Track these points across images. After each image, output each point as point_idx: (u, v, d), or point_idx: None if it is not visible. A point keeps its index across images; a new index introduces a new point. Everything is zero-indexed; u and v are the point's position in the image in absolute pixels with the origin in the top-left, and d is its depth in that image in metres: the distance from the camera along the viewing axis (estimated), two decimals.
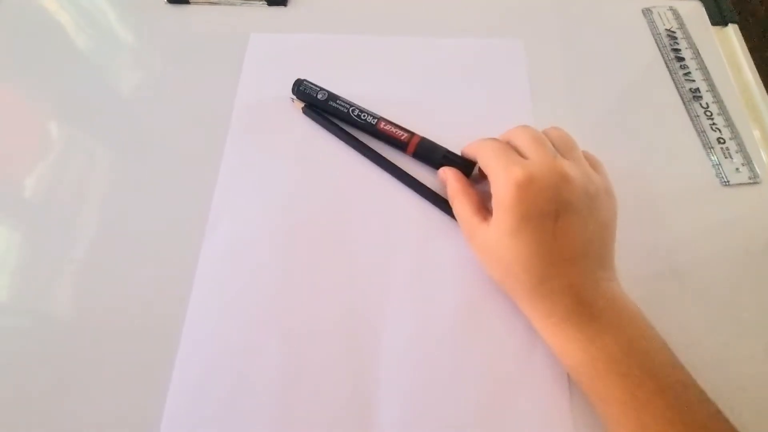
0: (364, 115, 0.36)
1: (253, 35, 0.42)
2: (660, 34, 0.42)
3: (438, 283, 0.32)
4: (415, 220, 0.34)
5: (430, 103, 0.39)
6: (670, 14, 0.43)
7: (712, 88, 0.39)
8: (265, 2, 0.43)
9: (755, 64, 0.41)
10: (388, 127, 0.35)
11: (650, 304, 0.28)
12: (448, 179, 0.33)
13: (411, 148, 0.35)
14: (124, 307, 0.31)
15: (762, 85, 0.41)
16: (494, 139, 0.31)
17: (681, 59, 0.41)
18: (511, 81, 0.40)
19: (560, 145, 0.30)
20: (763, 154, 0.37)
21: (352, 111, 0.36)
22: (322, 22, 0.43)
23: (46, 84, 0.40)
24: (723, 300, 0.32)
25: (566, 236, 0.27)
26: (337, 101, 0.36)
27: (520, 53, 0.41)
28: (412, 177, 0.35)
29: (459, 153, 0.34)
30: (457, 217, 0.32)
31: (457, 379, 0.29)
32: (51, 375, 0.29)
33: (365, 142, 0.36)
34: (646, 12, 0.44)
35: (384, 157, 0.35)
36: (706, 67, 0.40)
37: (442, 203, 0.34)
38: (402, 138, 0.35)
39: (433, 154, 0.35)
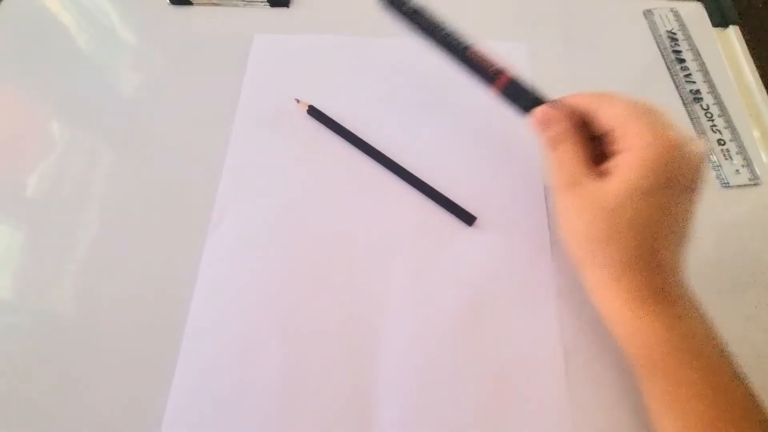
0: (452, 38, 0.32)
1: (257, 36, 0.42)
2: (661, 35, 0.42)
3: (439, 283, 0.32)
4: (418, 220, 0.34)
5: (433, 105, 0.39)
6: (671, 16, 0.43)
7: (712, 89, 0.39)
8: (268, 3, 0.43)
9: (756, 65, 0.41)
10: (480, 54, 0.31)
11: None
12: (550, 119, 0.28)
13: (501, 83, 0.30)
14: (126, 306, 0.31)
15: (762, 86, 0.41)
16: (619, 94, 0.27)
17: (682, 61, 0.41)
18: None
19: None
20: (763, 155, 0.37)
21: (439, 30, 0.32)
22: (324, 24, 0.43)
23: (49, 84, 0.40)
24: (724, 301, 0.32)
25: (686, 213, 0.26)
26: (424, 17, 0.32)
27: (524, 56, 0.41)
28: (416, 177, 0.35)
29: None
30: (556, 164, 0.28)
31: (456, 380, 0.29)
32: (53, 373, 0.30)
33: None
34: (647, 14, 0.44)
35: (388, 157, 0.35)
36: (706, 69, 0.40)
37: (445, 203, 0.34)
38: (491, 69, 0.31)
39: (524, 95, 0.30)
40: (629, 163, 0.25)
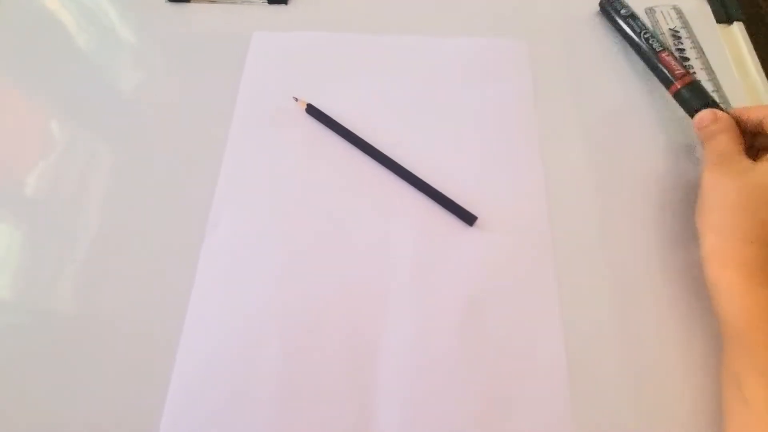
0: (652, 40, 0.38)
1: (256, 34, 0.41)
2: (664, 33, 0.42)
3: (440, 283, 0.32)
4: (419, 220, 0.34)
5: (432, 101, 0.39)
6: (673, 13, 0.43)
7: (717, 87, 0.39)
8: (266, 1, 0.43)
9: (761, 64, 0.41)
10: (669, 59, 0.37)
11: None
12: (715, 117, 0.32)
13: (683, 82, 0.36)
14: (124, 307, 0.31)
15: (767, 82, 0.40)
16: None
17: (686, 59, 0.40)
18: (514, 80, 0.40)
19: None
20: None
21: (644, 34, 0.39)
22: (323, 21, 0.43)
23: (48, 83, 0.40)
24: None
25: None
26: (636, 21, 0.40)
27: (523, 53, 0.41)
28: (416, 175, 0.34)
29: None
30: (712, 147, 0.32)
31: (457, 380, 0.29)
32: (51, 374, 0.30)
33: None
34: (649, 12, 0.43)
35: (387, 156, 0.35)
36: (710, 67, 0.40)
37: (446, 203, 0.34)
38: (677, 72, 0.36)
39: (698, 97, 0.35)
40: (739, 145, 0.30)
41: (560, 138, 0.37)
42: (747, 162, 0.30)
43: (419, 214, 0.34)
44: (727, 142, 0.31)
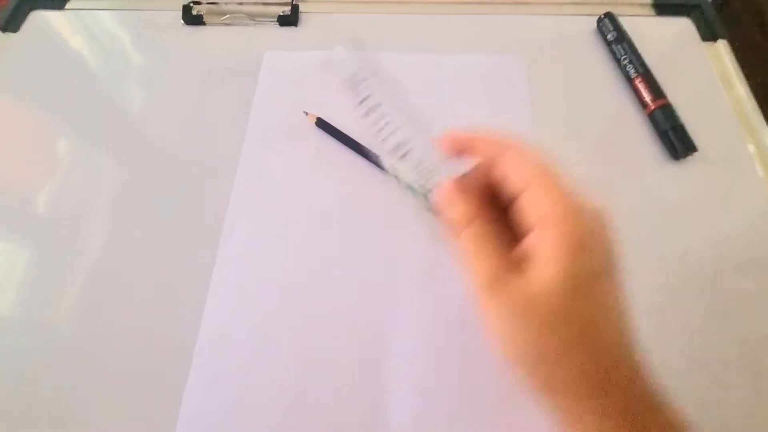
0: (629, 67, 0.41)
1: (267, 53, 0.44)
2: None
3: (447, 288, 0.33)
4: (425, 224, 0.35)
5: (435, 114, 0.40)
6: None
7: None
8: (277, 23, 0.46)
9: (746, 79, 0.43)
10: (641, 85, 0.40)
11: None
12: (451, 207, 0.23)
13: (655, 105, 0.39)
14: (142, 314, 0.32)
15: (753, 98, 0.42)
16: (524, 148, 0.22)
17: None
18: (511, 95, 0.42)
19: None
20: (758, 168, 0.38)
21: (623, 59, 0.42)
22: (330, 41, 0.44)
23: (67, 103, 0.42)
24: (726, 302, 0.33)
25: (621, 295, 0.21)
26: (620, 45, 0.43)
27: (520, 68, 0.43)
28: None
29: None
30: (466, 256, 0.22)
31: (467, 379, 0.30)
32: (68, 377, 0.30)
33: None
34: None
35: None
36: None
37: None
38: (644, 99, 0.40)
39: (662, 122, 0.38)
40: (547, 249, 0.20)
41: (555, 144, 0.38)
42: (519, 279, 0.20)
43: (426, 220, 0.35)
44: (482, 243, 0.22)
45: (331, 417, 0.29)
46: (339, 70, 0.29)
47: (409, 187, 0.27)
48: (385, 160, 0.31)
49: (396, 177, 0.27)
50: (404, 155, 0.26)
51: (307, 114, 0.40)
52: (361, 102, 0.28)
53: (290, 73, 0.43)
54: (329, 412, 0.29)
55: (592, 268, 0.20)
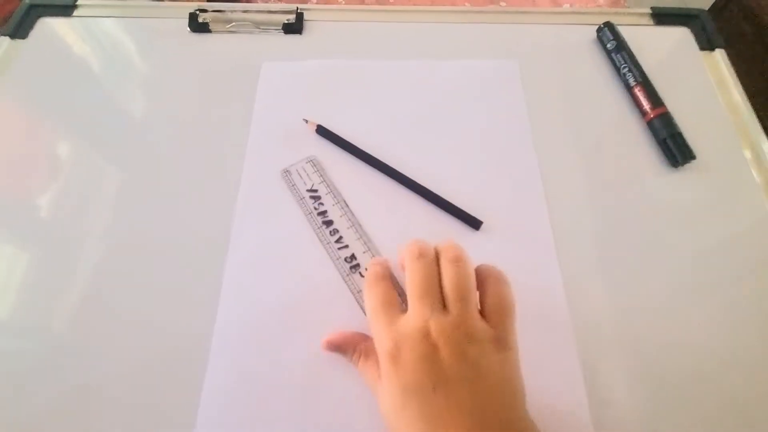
0: (628, 75, 0.42)
1: (264, 64, 0.44)
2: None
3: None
4: (427, 227, 0.36)
5: (433, 118, 0.41)
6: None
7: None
8: (282, 30, 0.46)
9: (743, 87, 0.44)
10: (640, 94, 0.41)
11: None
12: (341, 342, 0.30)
13: (647, 117, 0.40)
14: (145, 317, 0.33)
15: (750, 106, 0.42)
16: (383, 275, 0.29)
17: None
18: (508, 100, 0.43)
19: (450, 290, 0.26)
20: (754, 173, 0.39)
21: (623, 67, 0.43)
22: (334, 49, 0.46)
23: (73, 108, 0.42)
24: (726, 303, 0.33)
25: (452, 409, 0.23)
26: (620, 53, 0.43)
27: (515, 73, 0.44)
28: (426, 188, 0.37)
29: None
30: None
31: None
32: (70, 382, 0.31)
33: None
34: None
35: (396, 170, 0.37)
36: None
37: (457, 212, 0.36)
38: (643, 108, 0.41)
39: (661, 130, 0.39)
40: (377, 371, 0.27)
41: (556, 151, 0.40)
42: (378, 388, 0.26)
43: (428, 222, 0.36)
44: (363, 365, 0.29)
45: (341, 415, 0.29)
46: (299, 185, 0.35)
47: (360, 292, 0.33)
48: (339, 266, 0.34)
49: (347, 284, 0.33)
50: (353, 267, 0.34)
51: (307, 122, 0.40)
52: (319, 214, 0.35)
53: (288, 82, 0.43)
54: (340, 411, 0.30)
55: (404, 393, 0.24)
